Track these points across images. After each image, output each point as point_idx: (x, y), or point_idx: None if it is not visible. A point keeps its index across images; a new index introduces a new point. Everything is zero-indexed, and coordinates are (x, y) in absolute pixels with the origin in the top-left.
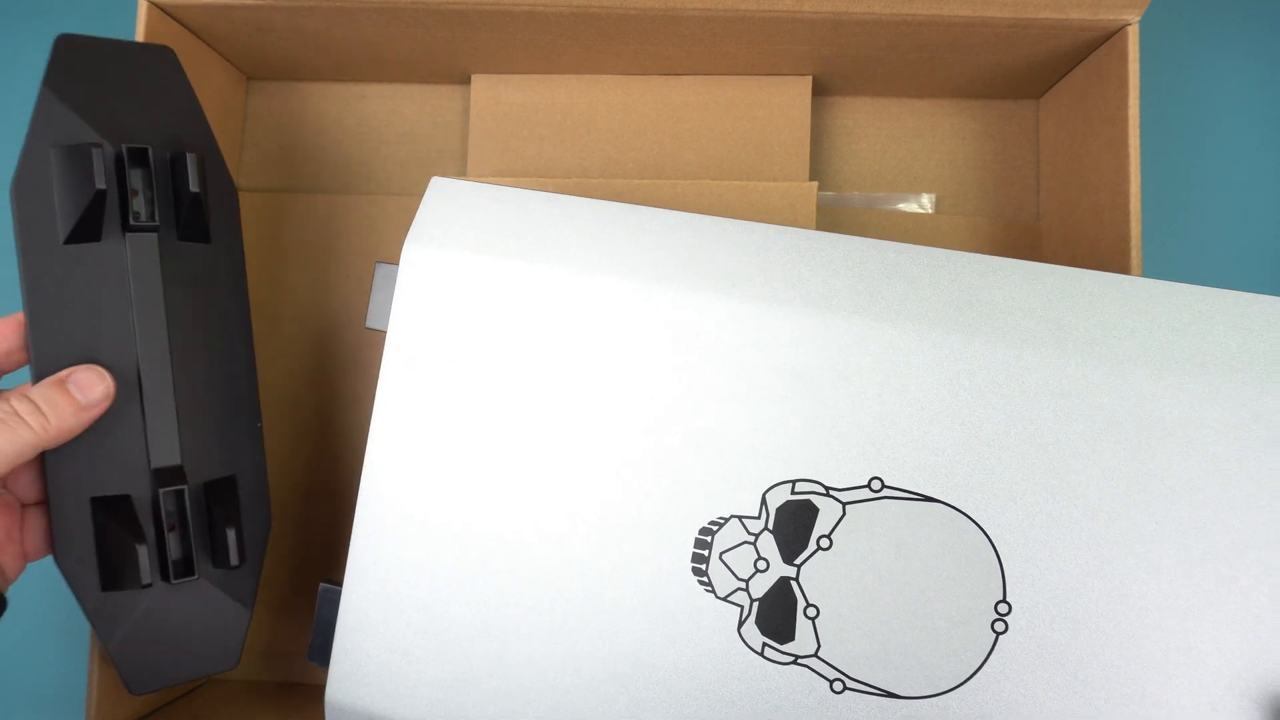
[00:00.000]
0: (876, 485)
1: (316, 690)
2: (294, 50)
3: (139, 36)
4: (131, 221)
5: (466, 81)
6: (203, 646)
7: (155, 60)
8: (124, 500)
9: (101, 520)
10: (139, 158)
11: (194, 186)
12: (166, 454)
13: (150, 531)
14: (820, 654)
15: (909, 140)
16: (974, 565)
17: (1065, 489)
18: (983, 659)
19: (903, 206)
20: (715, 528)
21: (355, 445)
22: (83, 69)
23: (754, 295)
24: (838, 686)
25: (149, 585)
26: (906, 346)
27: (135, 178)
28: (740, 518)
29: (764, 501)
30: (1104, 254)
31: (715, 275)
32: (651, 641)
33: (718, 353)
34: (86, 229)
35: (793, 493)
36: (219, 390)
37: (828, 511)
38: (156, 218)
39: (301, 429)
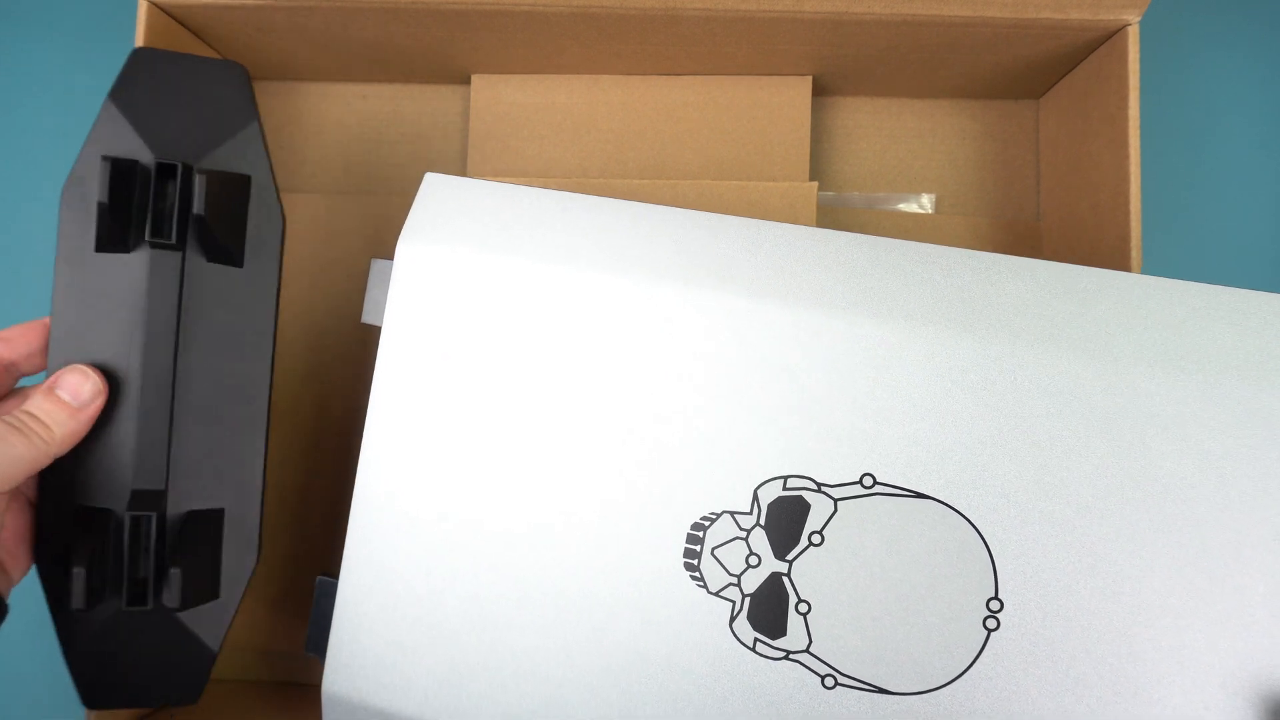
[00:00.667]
0: (868, 482)
1: (316, 690)
2: (294, 50)
3: (139, 36)
4: (148, 237)
5: (466, 81)
6: (162, 678)
7: (224, 77)
8: (104, 514)
9: (77, 531)
10: (167, 174)
11: (198, 208)
12: (150, 477)
13: (124, 551)
14: (812, 649)
15: (909, 140)
16: (966, 562)
17: (1058, 486)
18: (974, 656)
19: (903, 206)
20: (707, 523)
21: (354, 442)
22: (150, 83)
23: (746, 291)
24: (829, 682)
25: (103, 605)
26: (899, 343)
27: (164, 194)
28: (732, 513)
29: (756, 497)
30: (1104, 254)
31: (708, 271)
32: (644, 636)
33: (710, 349)
34: (111, 239)
35: (785, 489)
36: (224, 419)
37: (819, 508)
38: (174, 235)
39: (301, 427)
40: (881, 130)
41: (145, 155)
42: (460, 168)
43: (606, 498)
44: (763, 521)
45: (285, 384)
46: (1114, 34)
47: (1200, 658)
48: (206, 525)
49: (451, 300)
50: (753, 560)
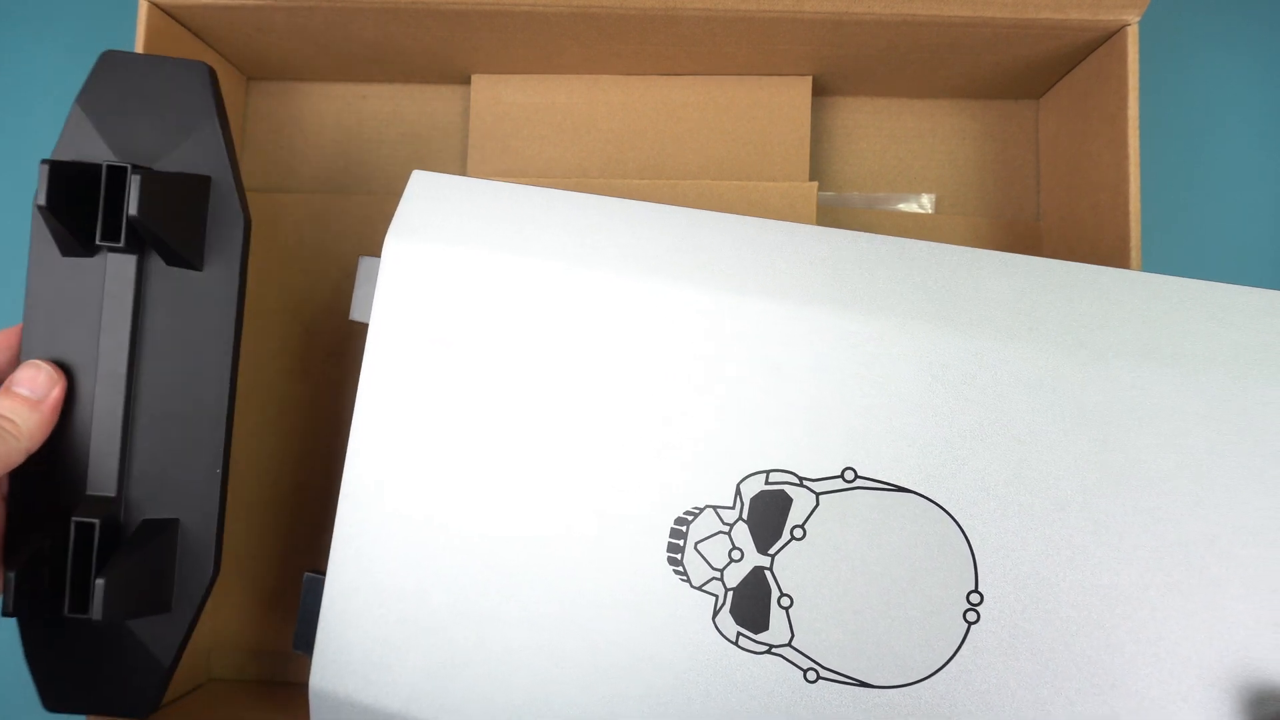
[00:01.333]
0: (850, 475)
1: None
2: (294, 50)
3: (139, 36)
4: (98, 240)
5: (466, 81)
6: (115, 688)
7: (187, 77)
8: (64, 519)
9: (21, 535)
10: (118, 177)
11: (132, 210)
12: (102, 483)
13: (67, 557)
14: (794, 643)
15: (909, 140)
16: (946, 555)
17: (1038, 480)
18: (955, 648)
19: (903, 206)
20: (690, 518)
21: (347, 440)
22: (117, 86)
23: (729, 286)
24: (811, 675)
25: (55, 611)
26: (881, 338)
27: (121, 196)
28: (715, 508)
29: (739, 491)
30: (1104, 254)
31: (691, 266)
32: (628, 631)
33: (693, 344)
34: (71, 244)
35: (767, 483)
36: (182, 427)
37: (801, 501)
38: (122, 238)
39: (296, 426)
40: (881, 130)
41: (108, 158)
42: (460, 168)
43: (590, 494)
44: (745, 516)
45: (281, 383)
46: (1114, 34)
47: (1177, 650)
48: (158, 535)
49: (438, 297)
50: (735, 554)
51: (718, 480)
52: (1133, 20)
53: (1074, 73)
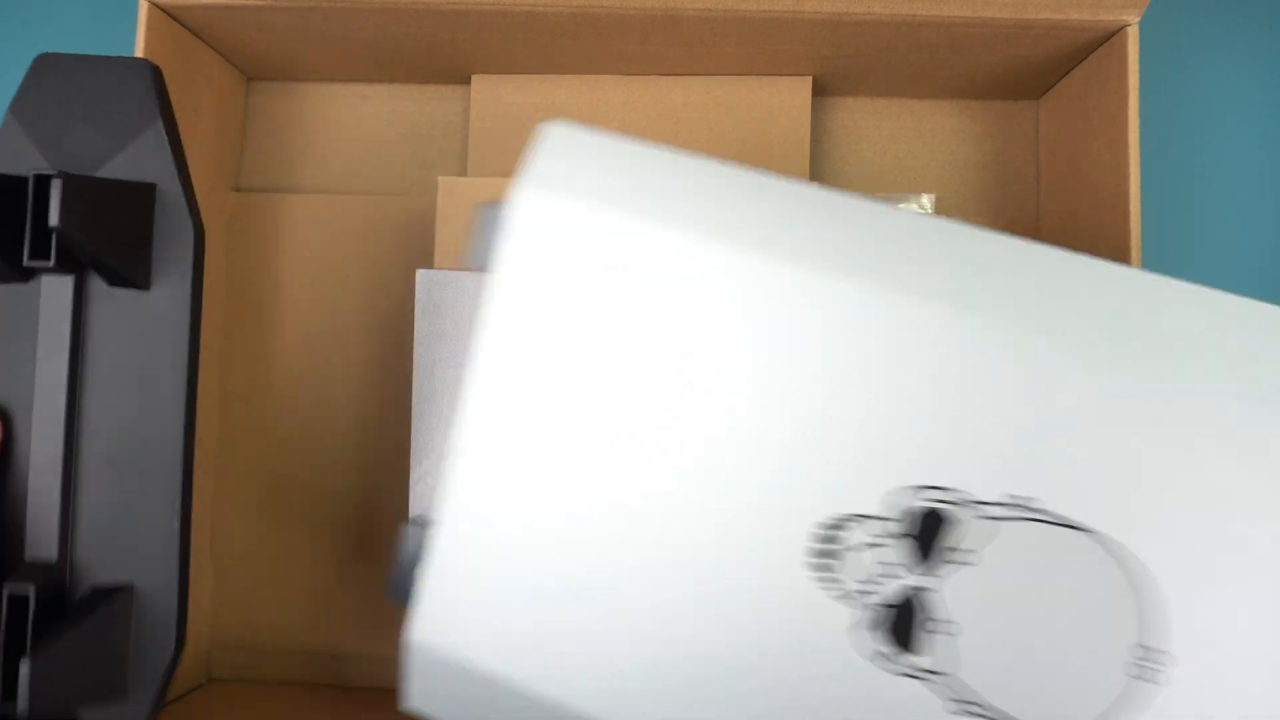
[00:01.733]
0: (1021, 504)
1: (318, 689)
2: (294, 50)
3: (139, 37)
4: (25, 260)
5: (466, 81)
6: None
7: (129, 77)
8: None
9: None
10: (46, 188)
11: (54, 220)
12: (43, 545)
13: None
14: (938, 670)
15: (909, 140)
16: (1120, 603)
17: (1234, 539)
18: (1120, 705)
19: (902, 207)
20: (842, 524)
21: (354, 446)
22: (54, 91)
23: (898, 287)
24: (953, 707)
25: None
26: (1059, 362)
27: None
28: (871, 517)
29: (897, 504)
30: (1104, 254)
31: (859, 261)
32: (758, 631)
33: (861, 345)
34: (2, 268)
35: (928, 499)
36: (133, 473)
37: (964, 524)
38: (52, 256)
39: (300, 430)
40: (881, 130)
41: (43, 169)
42: (460, 168)
43: (734, 485)
44: (904, 531)
45: (285, 387)
46: (1114, 34)
47: None
48: (106, 604)
49: (571, 260)
50: (888, 570)
51: (876, 488)
52: (1133, 20)
53: (1074, 73)
